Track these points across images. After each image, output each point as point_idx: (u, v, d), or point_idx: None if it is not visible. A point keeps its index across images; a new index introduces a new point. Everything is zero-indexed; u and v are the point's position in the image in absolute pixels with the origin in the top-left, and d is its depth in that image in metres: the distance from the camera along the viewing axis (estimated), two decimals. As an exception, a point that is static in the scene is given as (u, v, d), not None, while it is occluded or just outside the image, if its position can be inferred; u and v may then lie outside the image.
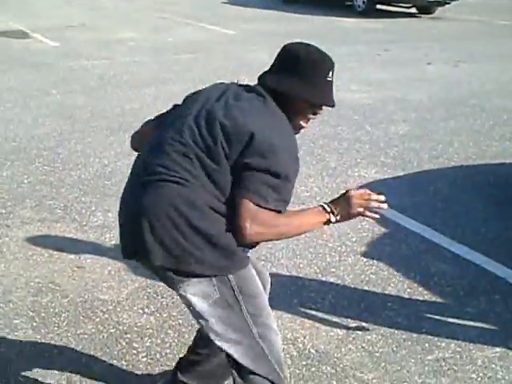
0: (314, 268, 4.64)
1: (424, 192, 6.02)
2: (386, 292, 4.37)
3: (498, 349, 3.78)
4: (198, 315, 2.69)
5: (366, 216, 2.71)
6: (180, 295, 2.69)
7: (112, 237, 4.98)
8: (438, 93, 9.70)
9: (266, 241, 2.73)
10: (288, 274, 4.55)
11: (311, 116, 2.79)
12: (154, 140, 2.74)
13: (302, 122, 2.78)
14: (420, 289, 4.40)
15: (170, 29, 15.50)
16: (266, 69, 2.80)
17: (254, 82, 2.80)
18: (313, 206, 2.73)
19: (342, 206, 2.68)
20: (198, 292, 2.63)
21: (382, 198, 2.70)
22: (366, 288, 4.41)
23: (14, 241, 4.91)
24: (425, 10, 18.87)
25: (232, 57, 12.11)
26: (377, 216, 2.72)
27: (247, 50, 12.69)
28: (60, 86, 9.74)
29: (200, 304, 2.65)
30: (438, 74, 10.97)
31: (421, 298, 4.30)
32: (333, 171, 6.44)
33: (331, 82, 2.76)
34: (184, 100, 2.88)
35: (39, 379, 3.42)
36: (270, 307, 2.80)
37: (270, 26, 15.53)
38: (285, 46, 2.80)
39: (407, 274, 4.58)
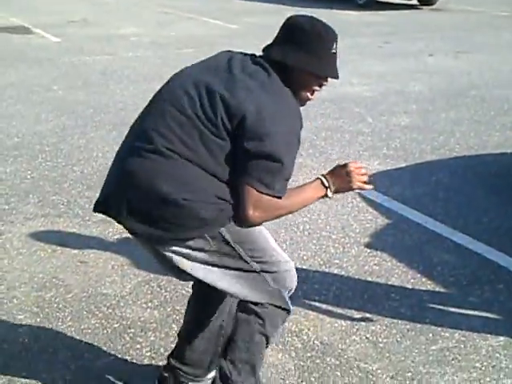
0: (317, 260, 4.65)
1: (426, 183, 6.03)
2: (390, 283, 4.37)
3: (501, 338, 3.78)
4: (190, 266, 2.75)
5: (364, 189, 2.88)
6: (171, 251, 2.73)
7: (115, 231, 4.99)
8: (438, 84, 9.69)
9: (267, 221, 2.77)
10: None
11: (316, 88, 2.80)
12: (154, 107, 2.77)
13: (308, 94, 2.80)
14: (423, 279, 4.41)
15: (172, 23, 15.50)
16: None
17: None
18: (311, 180, 2.80)
19: (342, 180, 2.80)
20: (192, 246, 2.70)
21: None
22: (369, 279, 4.42)
23: (18, 236, 4.93)
24: (426, 1, 18.82)
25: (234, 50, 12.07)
26: (371, 187, 2.87)
27: (250, 44, 12.64)
28: (62, 82, 9.75)
29: (194, 255, 2.72)
30: (438, 66, 10.95)
31: (424, 288, 4.30)
32: (335, 163, 6.43)
33: (335, 54, 2.78)
34: (185, 68, 2.89)
35: (43, 374, 3.43)
36: (273, 244, 2.86)
37: (272, 19, 15.44)
38: (289, 19, 2.82)
39: (410, 265, 4.58)
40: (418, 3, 18.89)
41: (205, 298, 3.12)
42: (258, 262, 2.79)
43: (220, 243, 2.71)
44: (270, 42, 2.83)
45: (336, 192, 2.83)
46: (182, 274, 2.87)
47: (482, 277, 4.44)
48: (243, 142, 2.57)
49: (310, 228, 5.09)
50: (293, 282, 2.93)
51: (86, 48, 12.32)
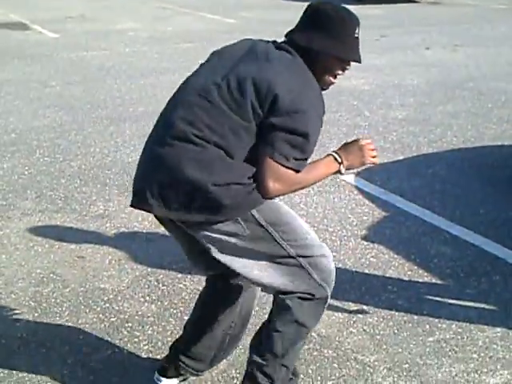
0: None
1: (423, 175, 6.03)
2: (387, 275, 4.38)
3: (498, 329, 3.79)
4: (222, 254, 2.77)
5: (375, 164, 2.95)
6: (204, 236, 2.74)
7: (112, 226, 5.00)
8: (435, 77, 9.69)
9: (283, 194, 2.81)
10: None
11: (339, 72, 2.84)
12: (181, 97, 2.80)
13: (331, 78, 2.84)
14: (420, 271, 4.42)
15: (169, 18, 15.50)
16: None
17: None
18: (323, 157, 2.85)
19: (355, 155, 2.85)
20: (226, 231, 2.72)
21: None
22: (366, 271, 4.43)
23: (15, 232, 4.93)
24: (424, -6, 18.85)
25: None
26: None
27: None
28: (60, 78, 9.76)
29: (226, 241, 2.74)
30: (435, 59, 10.96)
31: (421, 280, 4.31)
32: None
33: (358, 38, 2.82)
34: (210, 57, 2.93)
35: (41, 369, 3.44)
36: (306, 226, 2.90)
37: (270, 14, 15.51)
38: (310, 5, 2.86)
39: (407, 257, 4.59)
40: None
41: (219, 295, 3.11)
42: (292, 246, 2.80)
43: (253, 226, 2.73)
44: (292, 27, 2.86)
45: (348, 168, 2.87)
46: (211, 265, 2.89)
47: (478, 268, 4.45)
48: (271, 118, 2.61)
49: (307, 221, 5.08)
50: (330, 266, 2.93)
51: (83, 44, 12.31)
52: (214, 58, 2.90)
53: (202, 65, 2.92)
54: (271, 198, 2.73)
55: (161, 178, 2.69)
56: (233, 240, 2.74)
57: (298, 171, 2.69)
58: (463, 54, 11.37)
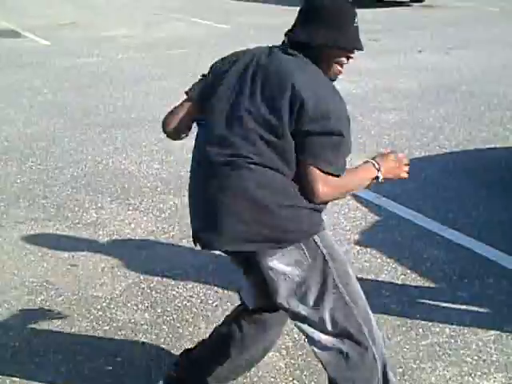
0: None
1: (415, 179, 6.02)
2: (380, 279, 4.39)
3: (492, 332, 3.80)
4: (290, 286, 2.76)
5: (404, 178, 3.00)
6: (269, 268, 2.73)
7: (105, 234, 5.00)
8: (428, 80, 9.71)
9: (333, 200, 2.86)
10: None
11: (344, 61, 2.86)
12: (212, 130, 2.78)
13: (338, 68, 2.86)
14: (413, 275, 4.42)
15: (161, 24, 15.50)
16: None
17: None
18: (362, 163, 2.87)
19: (392, 166, 2.90)
20: (290, 262, 2.72)
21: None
22: (360, 276, 4.41)
23: (8, 241, 4.93)
24: (416, -2, 18.88)
25: (225, 51, 11.85)
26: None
27: (241, 44, 12.50)
28: (52, 85, 9.75)
29: (290, 272, 2.74)
30: (428, 62, 10.97)
31: (414, 284, 4.32)
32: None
33: (357, 27, 2.85)
34: (218, 74, 2.88)
35: (34, 378, 3.43)
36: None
37: (264, 19, 15.52)
38: (307, 1, 2.88)
39: (400, 261, 4.60)
40: (408, 0, 18.92)
41: (246, 331, 3.11)
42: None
43: (314, 253, 2.74)
44: (291, 25, 2.87)
45: (386, 177, 2.89)
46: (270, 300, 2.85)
47: (471, 271, 4.45)
48: (304, 126, 2.63)
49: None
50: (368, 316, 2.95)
51: (75, 50, 12.31)
52: (229, 76, 2.82)
53: (213, 84, 2.87)
54: (321, 203, 2.75)
55: (223, 213, 2.70)
56: (294, 271, 2.73)
57: (339, 175, 2.70)
58: (456, 56, 11.39)
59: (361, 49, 2.85)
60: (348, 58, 2.86)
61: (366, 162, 2.86)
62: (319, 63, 2.78)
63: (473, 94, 8.85)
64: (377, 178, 2.86)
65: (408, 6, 18.42)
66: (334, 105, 2.69)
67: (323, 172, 2.65)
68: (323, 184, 2.66)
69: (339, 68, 2.86)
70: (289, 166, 2.66)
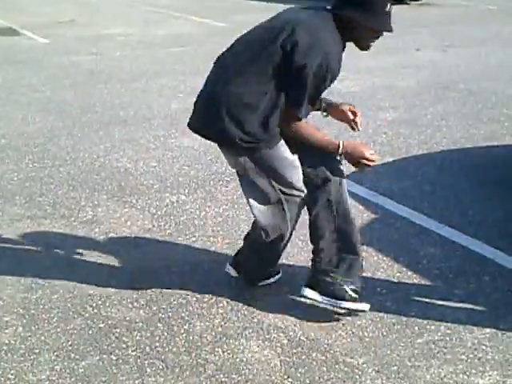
0: (304, 256, 4.63)
1: (412, 177, 6.04)
2: (376, 277, 4.38)
3: (487, 330, 3.79)
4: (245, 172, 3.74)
5: (368, 166, 3.71)
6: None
7: (101, 232, 4.99)
8: (426, 78, 9.70)
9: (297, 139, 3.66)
10: (279, 262, 4.55)
11: (375, 39, 3.61)
12: (229, 55, 3.85)
13: (369, 43, 3.62)
14: (409, 273, 4.42)
15: (160, 22, 15.49)
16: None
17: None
18: (335, 140, 3.67)
19: (352, 155, 3.65)
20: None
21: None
22: (355, 274, 4.42)
23: (4, 238, 4.92)
24: (414, -4, 18.87)
25: (223, 49, 12.06)
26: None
27: (237, 42, 12.68)
28: (50, 83, 9.74)
29: (244, 164, 3.68)
30: (426, 60, 10.97)
31: (410, 282, 4.31)
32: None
33: (389, 12, 3.53)
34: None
35: (29, 376, 3.43)
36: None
37: (260, 17, 15.31)
38: None
39: (396, 259, 4.59)
40: (406, -2, 18.94)
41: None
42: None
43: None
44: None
45: (345, 157, 3.66)
46: None
47: (467, 269, 4.45)
48: (289, 64, 3.46)
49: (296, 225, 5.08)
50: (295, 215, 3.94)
51: (74, 48, 12.31)
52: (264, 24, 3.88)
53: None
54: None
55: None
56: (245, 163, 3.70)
57: (300, 118, 3.58)
58: (454, 54, 11.38)
59: (390, 31, 3.54)
60: (378, 37, 3.58)
61: (340, 141, 3.63)
62: (355, 36, 3.56)
63: (470, 92, 8.85)
64: (335, 152, 3.63)
65: (406, 3, 18.40)
66: (322, 49, 3.45)
67: (294, 115, 3.60)
68: (288, 125, 3.65)
69: (370, 43, 3.60)
70: (274, 91, 3.57)
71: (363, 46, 3.61)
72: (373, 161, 3.69)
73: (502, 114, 7.85)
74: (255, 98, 3.51)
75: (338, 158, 3.67)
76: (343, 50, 3.60)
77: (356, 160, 3.67)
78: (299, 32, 3.44)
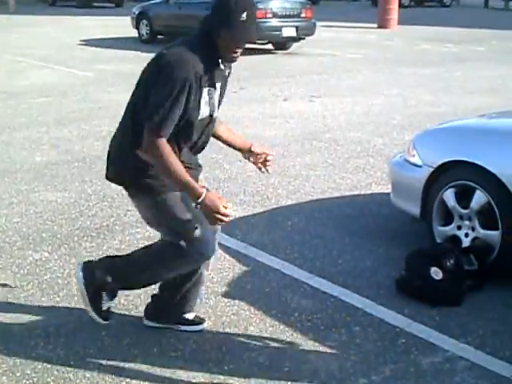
0: (174, 312, 4.52)
1: (282, 227, 6.04)
2: (248, 332, 4.31)
3: (361, 380, 3.79)
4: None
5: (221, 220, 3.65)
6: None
7: None
8: (293, 129, 9.82)
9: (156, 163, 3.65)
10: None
11: (238, 50, 3.70)
12: None
13: (232, 54, 3.71)
14: (281, 326, 4.37)
15: (25, 72, 15.12)
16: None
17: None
18: (201, 186, 3.66)
19: (208, 208, 3.58)
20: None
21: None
22: (227, 330, 4.34)
23: None
24: (280, 46, 19.25)
25: (88, 99, 11.90)
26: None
27: (104, 92, 12.53)
28: None
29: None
30: (293, 110, 11.12)
31: (282, 336, 4.26)
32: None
33: (245, 21, 3.56)
34: None
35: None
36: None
37: (128, 66, 15.38)
38: None
39: (268, 312, 4.55)
40: (272, 48, 19.28)
41: None
42: None
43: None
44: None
45: (202, 207, 3.59)
46: None
47: (338, 320, 4.45)
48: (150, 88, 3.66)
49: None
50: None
51: None
52: None
53: None
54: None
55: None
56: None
57: (157, 131, 3.54)
58: (320, 104, 11.59)
59: (250, 41, 3.70)
60: (238, 47, 3.66)
61: (204, 188, 3.64)
62: (218, 48, 3.64)
63: (337, 142, 9.02)
64: (193, 198, 3.59)
65: (273, 53, 18.75)
66: (170, 65, 3.55)
67: (152, 134, 3.59)
68: (147, 147, 3.63)
69: (233, 54, 3.69)
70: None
71: (227, 59, 3.74)
72: (227, 216, 3.63)
73: (367, 163, 8.02)
74: None
75: (194, 205, 3.65)
76: (218, 66, 3.76)
77: (211, 213, 3.60)
78: (154, 58, 3.73)
